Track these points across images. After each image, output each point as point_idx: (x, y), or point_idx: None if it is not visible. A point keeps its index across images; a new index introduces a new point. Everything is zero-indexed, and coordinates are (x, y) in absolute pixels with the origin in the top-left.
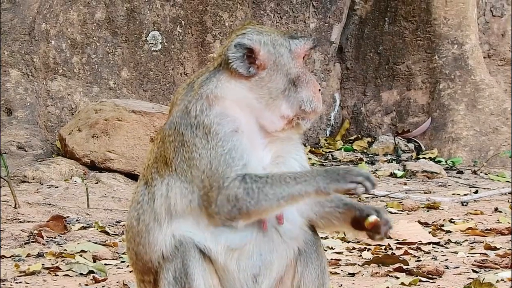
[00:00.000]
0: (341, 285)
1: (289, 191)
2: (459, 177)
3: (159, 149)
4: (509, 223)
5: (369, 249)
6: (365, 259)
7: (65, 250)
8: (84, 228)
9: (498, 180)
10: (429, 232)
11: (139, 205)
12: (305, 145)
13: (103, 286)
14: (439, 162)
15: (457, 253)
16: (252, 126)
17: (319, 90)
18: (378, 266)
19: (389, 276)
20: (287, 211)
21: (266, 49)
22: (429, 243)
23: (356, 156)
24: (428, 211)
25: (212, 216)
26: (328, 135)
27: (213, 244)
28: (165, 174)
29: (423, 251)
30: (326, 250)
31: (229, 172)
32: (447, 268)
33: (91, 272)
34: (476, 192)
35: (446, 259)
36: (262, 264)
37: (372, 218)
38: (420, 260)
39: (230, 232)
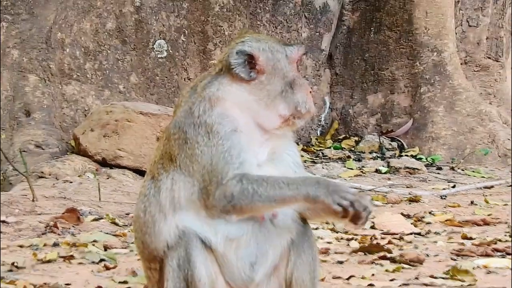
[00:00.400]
0: (330, 272)
1: (281, 195)
2: (438, 173)
3: (165, 146)
4: (484, 215)
5: (356, 239)
6: (353, 248)
7: (78, 240)
8: (96, 219)
9: (474, 176)
10: (411, 223)
11: (145, 198)
12: (297, 144)
13: (113, 273)
14: (420, 159)
15: (436, 242)
16: (251, 125)
17: (311, 92)
18: (365, 255)
19: (375, 263)
20: None
21: (265, 55)
22: (411, 233)
23: (344, 154)
24: (410, 204)
25: (209, 208)
26: (318, 134)
27: (213, 234)
28: (170, 169)
29: (406, 240)
30: (317, 240)
31: (227, 169)
32: (428, 256)
33: (102, 260)
34: (454, 186)
35: (427, 248)
36: (258, 252)
37: None
38: (403, 249)
39: (228, 224)
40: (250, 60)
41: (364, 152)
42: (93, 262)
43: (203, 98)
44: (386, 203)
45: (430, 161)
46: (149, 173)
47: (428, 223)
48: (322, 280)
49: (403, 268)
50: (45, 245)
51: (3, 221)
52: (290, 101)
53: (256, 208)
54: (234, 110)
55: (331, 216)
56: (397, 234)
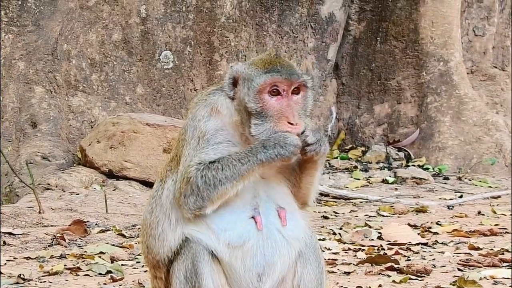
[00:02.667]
0: (338, 283)
1: (239, 172)
2: (445, 183)
3: (175, 149)
4: (491, 225)
5: (363, 249)
6: (360, 259)
7: (85, 251)
8: (102, 231)
9: (481, 186)
10: (418, 234)
11: (153, 200)
12: None
13: (120, 285)
14: (427, 169)
15: (443, 253)
16: (237, 137)
17: (291, 123)
18: (372, 265)
19: (382, 274)
20: (289, 214)
21: (242, 79)
22: (418, 244)
23: (351, 164)
24: (417, 214)
25: (181, 207)
26: None
27: (215, 241)
28: (175, 170)
29: (413, 251)
30: (323, 251)
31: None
32: (435, 267)
33: (109, 272)
34: (461, 196)
35: (434, 259)
36: (266, 264)
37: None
38: (410, 260)
39: (228, 231)
40: (235, 81)
41: (371, 162)
42: (99, 274)
43: (207, 104)
44: (393, 214)
45: (437, 171)
46: (159, 175)
47: (435, 233)
48: None
49: (410, 279)
50: (51, 257)
51: (10, 233)
52: (258, 125)
53: (221, 193)
54: (226, 122)
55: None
56: (404, 244)
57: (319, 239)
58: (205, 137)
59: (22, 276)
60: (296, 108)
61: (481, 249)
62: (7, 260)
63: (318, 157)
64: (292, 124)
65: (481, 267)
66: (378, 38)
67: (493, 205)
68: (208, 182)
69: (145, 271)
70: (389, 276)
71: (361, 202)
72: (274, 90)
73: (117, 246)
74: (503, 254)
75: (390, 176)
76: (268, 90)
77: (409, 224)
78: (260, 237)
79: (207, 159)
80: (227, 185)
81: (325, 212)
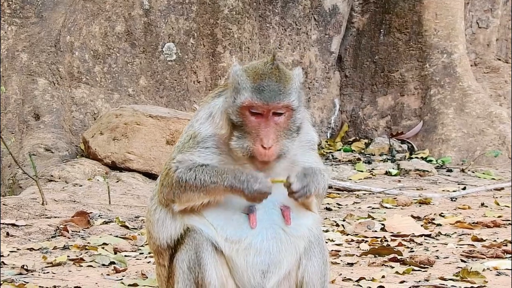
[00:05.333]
0: (341, 274)
1: (206, 188)
2: (448, 175)
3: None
4: (494, 216)
5: (366, 241)
6: (363, 250)
7: (88, 243)
8: (106, 223)
9: (484, 178)
10: (421, 225)
11: (156, 186)
12: None
13: (123, 276)
14: (430, 161)
15: (446, 244)
16: (226, 145)
17: (264, 146)
18: (375, 257)
19: (385, 265)
20: (294, 213)
21: (231, 86)
22: (421, 235)
23: (354, 156)
24: (420, 206)
25: (158, 192)
26: (328, 137)
27: (213, 233)
28: None
29: (416, 242)
30: (327, 242)
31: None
32: (438, 258)
33: (112, 263)
34: (464, 188)
35: (437, 250)
36: (271, 262)
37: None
38: (413, 251)
39: (225, 225)
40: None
41: (374, 155)
42: (103, 265)
43: (208, 107)
44: (396, 206)
45: (440, 163)
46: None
47: (438, 225)
48: (332, 282)
49: (413, 270)
50: (55, 248)
51: (13, 224)
52: (238, 139)
53: (189, 198)
54: (220, 130)
55: None
56: (407, 236)
57: (323, 231)
58: (196, 139)
59: (25, 267)
60: (275, 129)
61: (484, 240)
62: (10, 251)
63: (309, 199)
64: (265, 148)
65: (484, 258)
66: (381, 30)
67: (496, 197)
68: (180, 183)
69: (148, 262)
70: (392, 267)
71: (364, 194)
72: (254, 111)
73: (120, 237)
74: (506, 245)
75: (393, 168)
76: (248, 108)
77: (412, 216)
78: (265, 235)
79: (189, 160)
80: (195, 194)
81: (328, 204)
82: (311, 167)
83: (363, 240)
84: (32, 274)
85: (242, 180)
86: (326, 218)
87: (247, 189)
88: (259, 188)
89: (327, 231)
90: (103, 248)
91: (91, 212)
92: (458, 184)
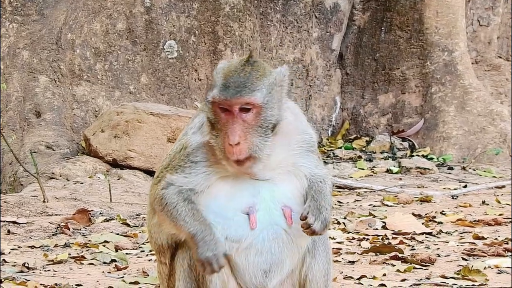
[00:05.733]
0: (342, 272)
1: (176, 223)
2: (449, 173)
3: None
4: (495, 214)
5: (367, 239)
6: (364, 248)
7: (89, 240)
8: (107, 220)
9: (485, 176)
10: (422, 223)
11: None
12: None
13: (124, 274)
14: (431, 159)
15: (448, 242)
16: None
17: (230, 144)
18: (376, 255)
19: (386, 263)
20: (296, 213)
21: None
22: (422, 233)
23: (355, 154)
24: (421, 204)
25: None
26: (329, 134)
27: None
28: None
29: (417, 240)
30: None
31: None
32: (439, 256)
33: (113, 261)
34: (465, 186)
35: (438, 248)
36: (273, 262)
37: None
38: (414, 249)
39: (223, 224)
40: None
41: (375, 152)
42: (104, 263)
43: (202, 116)
44: (397, 203)
45: (441, 161)
46: None
47: (440, 223)
48: (334, 280)
49: (414, 268)
50: (56, 245)
51: (14, 222)
52: (214, 136)
53: (163, 219)
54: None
55: None
56: (408, 234)
57: None
58: (187, 150)
59: (26, 264)
60: (242, 126)
61: (486, 238)
62: (11, 249)
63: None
64: (231, 145)
65: (485, 256)
66: (382, 28)
67: (497, 195)
68: (160, 203)
69: (149, 260)
70: (394, 265)
71: (365, 191)
72: (221, 106)
73: (121, 235)
74: (507, 243)
75: (394, 166)
76: (217, 105)
77: (413, 214)
78: (266, 236)
79: (178, 182)
80: (166, 220)
81: None
82: (317, 183)
83: (364, 238)
84: (33, 272)
85: (203, 238)
86: None
87: (200, 248)
88: (208, 257)
89: (328, 229)
90: (104, 246)
91: (92, 210)
92: (459, 182)
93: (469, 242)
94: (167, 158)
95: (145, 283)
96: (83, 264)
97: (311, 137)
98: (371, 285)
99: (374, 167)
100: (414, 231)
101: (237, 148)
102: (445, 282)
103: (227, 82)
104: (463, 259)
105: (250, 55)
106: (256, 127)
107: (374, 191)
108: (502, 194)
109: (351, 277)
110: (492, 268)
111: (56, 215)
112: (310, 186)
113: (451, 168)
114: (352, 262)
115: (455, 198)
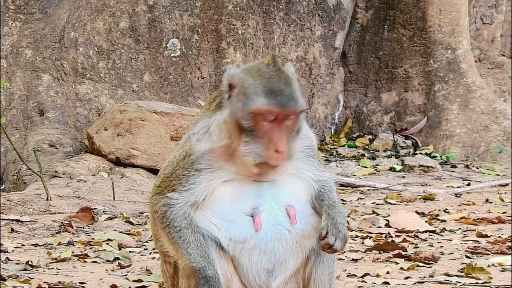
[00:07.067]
0: (345, 269)
1: (175, 248)
2: (452, 171)
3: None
4: (498, 212)
5: (370, 237)
6: (367, 246)
7: (93, 238)
8: (110, 218)
9: (489, 174)
10: (426, 221)
11: None
12: None
13: (128, 272)
14: (434, 157)
15: (451, 240)
16: (222, 160)
17: (277, 150)
18: (379, 253)
19: (389, 261)
20: (300, 213)
21: (238, 89)
22: (425, 231)
23: (358, 152)
24: (424, 202)
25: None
26: (332, 133)
27: (218, 232)
28: None
29: (420, 238)
30: None
31: (170, 189)
32: (442, 254)
33: (116, 259)
34: (468, 184)
35: (441, 246)
36: (276, 262)
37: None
38: (418, 247)
39: (230, 226)
40: (231, 87)
41: (378, 150)
42: (107, 261)
43: (206, 121)
44: (401, 202)
45: (445, 159)
46: None
47: (443, 221)
48: (337, 278)
49: (417, 266)
50: (59, 244)
51: (18, 220)
52: (248, 144)
53: (166, 240)
54: (216, 145)
55: None
56: (411, 232)
57: None
58: (191, 158)
59: (30, 262)
60: (286, 132)
61: (489, 236)
62: (15, 247)
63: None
64: (278, 152)
65: (489, 254)
66: (385, 26)
67: (501, 193)
68: (162, 220)
69: (152, 258)
70: (397, 263)
71: (368, 190)
72: (269, 116)
73: (124, 233)
74: (510, 241)
75: (397, 164)
76: (262, 113)
77: (416, 212)
78: (269, 236)
79: (179, 199)
80: (168, 241)
81: None
82: (326, 194)
83: (367, 236)
84: (37, 270)
85: (205, 276)
86: None
87: (201, 286)
88: None
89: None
90: (107, 244)
91: (95, 208)
92: (463, 180)
93: (473, 240)
94: (169, 165)
95: (149, 281)
96: (86, 262)
97: (312, 141)
98: (374, 283)
99: (377, 165)
100: (417, 229)
101: (281, 154)
102: (448, 280)
103: (275, 90)
104: (467, 257)
105: (274, 59)
106: (292, 132)
107: (377, 189)
108: (505, 192)
109: (354, 275)
110: (495, 266)
111: (60, 213)
112: (320, 198)
113: (454, 166)
114: (356, 260)
115: (459, 196)
